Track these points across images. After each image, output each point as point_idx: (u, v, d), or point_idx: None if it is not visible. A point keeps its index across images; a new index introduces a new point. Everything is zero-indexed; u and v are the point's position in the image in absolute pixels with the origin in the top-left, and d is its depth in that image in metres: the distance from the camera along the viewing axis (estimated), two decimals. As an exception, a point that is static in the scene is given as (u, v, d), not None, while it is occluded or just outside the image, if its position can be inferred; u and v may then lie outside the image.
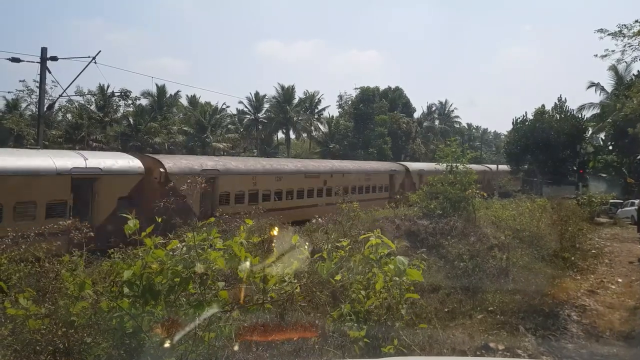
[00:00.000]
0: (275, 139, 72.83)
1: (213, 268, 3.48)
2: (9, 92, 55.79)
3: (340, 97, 74.78)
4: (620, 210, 32.30)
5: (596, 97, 47.80)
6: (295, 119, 65.63)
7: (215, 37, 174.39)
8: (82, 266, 7.05)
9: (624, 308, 11.42)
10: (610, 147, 45.88)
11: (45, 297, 5.29)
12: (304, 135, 71.71)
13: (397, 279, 3.73)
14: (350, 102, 70.47)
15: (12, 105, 51.29)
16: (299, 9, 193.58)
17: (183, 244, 3.57)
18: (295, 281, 3.78)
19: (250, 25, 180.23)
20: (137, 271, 3.43)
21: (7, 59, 22.44)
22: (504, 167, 54.29)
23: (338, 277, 3.78)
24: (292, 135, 70.53)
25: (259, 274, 3.53)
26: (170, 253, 3.48)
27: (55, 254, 7.34)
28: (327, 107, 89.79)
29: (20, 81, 47.46)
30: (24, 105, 51.73)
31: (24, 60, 22.77)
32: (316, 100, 70.30)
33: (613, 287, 13.46)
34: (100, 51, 25.25)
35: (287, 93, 66.07)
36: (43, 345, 4.23)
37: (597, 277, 14.59)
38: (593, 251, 18.40)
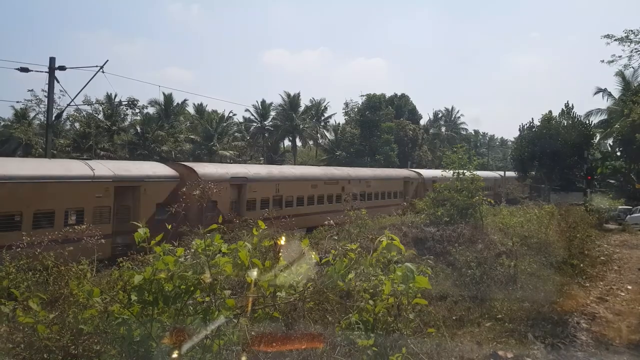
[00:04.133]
0: (282, 146, 73.00)
1: (221, 274, 3.49)
2: (17, 102, 56.36)
3: (347, 104, 74.99)
4: (629, 216, 32.07)
5: (603, 103, 47.69)
6: (301, 126, 65.78)
7: (221, 47, 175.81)
8: (90, 274, 7.09)
9: (634, 315, 11.31)
10: (619, 153, 45.63)
11: (55, 305, 5.32)
12: (311, 142, 71.88)
13: (403, 285, 3.73)
14: (356, 109, 70.59)
15: (21, 115, 51.84)
16: (305, 18, 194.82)
17: (189, 251, 3.59)
18: (304, 286, 3.78)
19: (257, 35, 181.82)
20: (148, 277, 3.45)
21: (16, 68, 22.70)
22: (511, 173, 54.01)
23: (351, 276, 3.76)
24: (299, 143, 70.77)
25: (270, 280, 3.53)
26: (181, 260, 3.50)
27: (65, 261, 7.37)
28: (334, 114, 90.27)
29: (29, 91, 47.92)
30: (32, 114, 52.34)
31: (32, 70, 23.02)
32: (322, 108, 70.52)
33: (623, 294, 13.35)
34: (107, 60, 25.58)
35: (293, 101, 66.31)
36: (53, 352, 4.25)
37: (607, 284, 14.48)
38: (602, 258, 18.25)
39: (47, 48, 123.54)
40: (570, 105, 47.12)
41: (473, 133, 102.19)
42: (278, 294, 3.61)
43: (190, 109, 65.43)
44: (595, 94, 46.76)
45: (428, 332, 5.65)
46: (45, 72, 22.83)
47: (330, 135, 70.14)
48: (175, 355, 3.36)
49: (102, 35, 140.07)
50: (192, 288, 3.45)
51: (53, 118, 25.06)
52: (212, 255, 3.47)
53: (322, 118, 71.09)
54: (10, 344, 4.40)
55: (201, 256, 3.46)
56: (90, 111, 51.56)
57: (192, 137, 58.55)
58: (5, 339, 4.47)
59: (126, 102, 51.56)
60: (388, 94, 69.83)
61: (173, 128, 56.14)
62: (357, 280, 3.86)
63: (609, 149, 49.87)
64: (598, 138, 47.76)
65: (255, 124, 68.75)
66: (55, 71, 22.98)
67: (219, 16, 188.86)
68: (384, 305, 3.94)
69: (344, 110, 74.92)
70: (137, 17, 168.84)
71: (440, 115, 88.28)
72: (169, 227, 4.65)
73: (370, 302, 3.93)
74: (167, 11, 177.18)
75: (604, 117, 46.86)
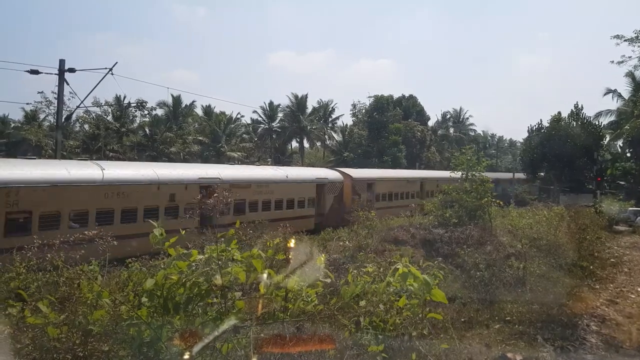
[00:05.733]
0: (290, 148, 73.09)
1: (232, 280, 3.49)
2: (27, 104, 56.84)
3: (354, 105, 74.96)
4: (639, 218, 31.80)
5: (613, 103, 47.31)
6: (309, 128, 65.83)
7: (228, 49, 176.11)
8: (99, 275, 7.12)
9: (644, 318, 11.22)
10: (629, 154, 45.25)
11: (64, 306, 5.34)
12: (318, 144, 71.90)
13: (413, 291, 3.70)
14: (364, 110, 70.53)
15: (31, 117, 52.28)
16: (310, 20, 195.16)
17: (202, 256, 3.58)
18: (317, 302, 3.77)
19: (263, 36, 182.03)
20: (160, 281, 3.45)
21: (26, 70, 22.77)
22: (520, 175, 53.72)
23: (363, 303, 3.75)
24: (306, 144, 70.83)
25: (281, 291, 3.53)
26: (193, 266, 3.49)
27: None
28: (341, 115, 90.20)
29: (39, 92, 48.38)
30: (42, 116, 52.76)
31: (42, 72, 23.10)
32: (330, 109, 70.51)
33: (633, 296, 13.24)
34: (116, 62, 25.71)
35: (300, 102, 66.35)
36: (62, 353, 4.27)
37: (617, 286, 14.36)
38: (612, 260, 18.11)
39: (52, 49, 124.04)
40: (579, 106, 46.86)
41: (482, 134, 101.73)
42: (291, 303, 3.60)
43: (199, 111, 65.75)
44: (604, 94, 46.46)
45: (442, 347, 5.62)
46: (55, 74, 22.96)
47: (337, 137, 70.16)
48: (185, 357, 3.36)
49: (107, 36, 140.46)
50: (203, 292, 3.44)
51: (63, 120, 25.21)
52: (225, 262, 3.47)
53: (330, 119, 71.12)
54: (18, 345, 4.42)
55: (213, 263, 3.46)
56: (100, 113, 51.99)
57: (200, 138, 58.74)
58: (14, 339, 4.49)
59: (135, 104, 51.95)
60: (395, 95, 69.79)
61: (181, 129, 56.37)
62: (372, 297, 3.84)
63: (619, 150, 49.49)
64: (608, 139, 47.38)
65: (262, 126, 68.87)
66: (65, 73, 23.12)
67: (223, 18, 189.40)
68: (397, 319, 3.91)
69: (351, 112, 75.03)
70: (141, 19, 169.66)
71: (448, 117, 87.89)
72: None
73: (381, 306, 3.91)
74: (172, 13, 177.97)
75: (613, 118, 46.54)
